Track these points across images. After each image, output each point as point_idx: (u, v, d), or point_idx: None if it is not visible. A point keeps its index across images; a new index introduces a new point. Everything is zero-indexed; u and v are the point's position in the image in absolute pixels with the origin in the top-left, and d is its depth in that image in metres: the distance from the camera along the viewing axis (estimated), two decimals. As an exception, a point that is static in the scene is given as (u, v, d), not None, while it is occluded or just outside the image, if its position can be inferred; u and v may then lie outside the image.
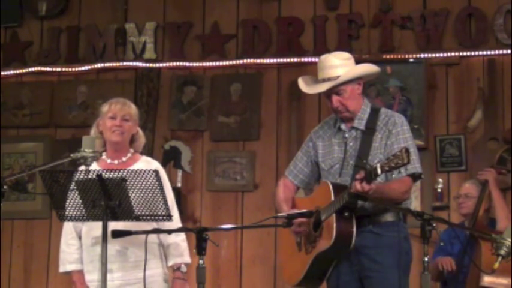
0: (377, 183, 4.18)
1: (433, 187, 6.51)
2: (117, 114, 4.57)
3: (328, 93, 4.44)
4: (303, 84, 4.58)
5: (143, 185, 4.10)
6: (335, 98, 4.44)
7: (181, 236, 4.55)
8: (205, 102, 7.01)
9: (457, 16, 6.69)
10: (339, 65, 4.43)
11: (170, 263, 4.54)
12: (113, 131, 4.54)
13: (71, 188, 4.15)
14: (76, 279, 4.58)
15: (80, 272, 4.56)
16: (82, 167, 4.27)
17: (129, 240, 4.32)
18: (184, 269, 4.53)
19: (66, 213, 4.21)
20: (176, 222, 4.45)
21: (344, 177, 4.38)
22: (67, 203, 4.19)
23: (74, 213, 4.22)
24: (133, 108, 4.64)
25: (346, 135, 4.48)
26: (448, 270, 5.55)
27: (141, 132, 4.72)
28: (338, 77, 4.39)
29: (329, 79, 4.41)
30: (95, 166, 4.47)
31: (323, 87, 4.43)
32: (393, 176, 4.31)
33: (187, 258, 4.55)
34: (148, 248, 4.37)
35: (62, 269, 4.61)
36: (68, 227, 4.59)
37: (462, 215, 5.87)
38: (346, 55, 4.53)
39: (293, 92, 6.73)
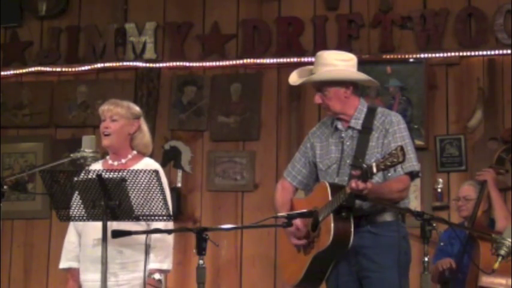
0: (374, 182, 4.19)
1: (433, 187, 6.51)
2: (105, 115, 4.56)
3: (315, 89, 4.46)
4: (294, 74, 4.61)
5: (143, 185, 4.09)
6: (318, 95, 4.48)
7: (167, 241, 4.44)
8: (205, 102, 7.01)
9: (457, 16, 6.70)
10: (327, 64, 4.44)
11: (148, 267, 4.42)
12: (102, 133, 4.54)
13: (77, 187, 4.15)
14: (70, 276, 4.60)
15: (76, 270, 4.56)
16: (92, 166, 4.31)
17: (117, 242, 4.29)
18: (157, 276, 4.40)
19: (70, 213, 4.22)
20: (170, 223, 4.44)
21: (341, 177, 4.38)
22: (71, 203, 4.20)
23: (74, 213, 4.22)
24: (124, 107, 4.57)
25: (343, 134, 4.48)
26: (448, 268, 5.55)
27: (144, 131, 4.63)
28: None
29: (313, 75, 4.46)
30: (99, 166, 4.49)
31: (298, 81, 4.51)
32: (389, 174, 4.32)
33: (166, 265, 4.44)
34: (135, 250, 4.38)
35: (60, 265, 4.63)
36: (70, 224, 4.61)
37: (462, 217, 5.87)
38: (343, 56, 4.53)
39: (293, 92, 6.73)
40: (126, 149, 4.59)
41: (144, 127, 4.65)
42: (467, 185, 5.96)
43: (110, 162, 4.58)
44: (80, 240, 4.55)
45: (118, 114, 4.54)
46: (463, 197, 5.86)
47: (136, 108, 4.66)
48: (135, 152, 4.60)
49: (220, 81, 7.03)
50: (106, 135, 4.53)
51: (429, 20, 6.72)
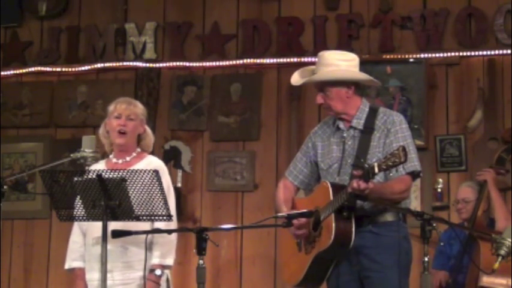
0: (376, 182, 4.19)
1: (433, 187, 6.51)
2: (122, 113, 4.59)
3: (317, 89, 4.46)
4: (296, 75, 4.61)
5: (143, 185, 4.10)
6: (319, 95, 4.48)
7: (169, 237, 4.45)
8: (205, 102, 7.02)
9: (457, 16, 6.70)
10: (329, 64, 4.44)
11: (150, 263, 4.46)
12: (118, 131, 4.55)
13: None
14: (76, 276, 4.61)
15: (81, 269, 4.58)
16: (94, 166, 4.34)
17: (122, 241, 4.31)
18: (158, 272, 4.43)
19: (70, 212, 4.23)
20: (173, 222, 4.45)
21: (342, 177, 4.38)
22: (76, 203, 4.21)
23: (75, 212, 4.22)
24: (139, 108, 4.66)
25: (345, 134, 4.48)
26: (442, 281, 5.60)
27: (149, 131, 4.71)
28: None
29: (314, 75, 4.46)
30: (102, 165, 4.52)
31: (300, 82, 4.51)
32: (391, 174, 4.31)
33: (167, 261, 4.48)
34: (140, 248, 4.38)
35: (65, 266, 4.64)
36: (75, 224, 4.62)
37: (462, 219, 5.87)
38: (345, 56, 4.53)
39: (293, 92, 6.73)
40: (133, 147, 4.64)
41: (147, 127, 4.70)
42: (464, 186, 5.97)
43: (114, 160, 4.62)
44: (85, 239, 4.57)
45: (135, 113, 4.61)
46: (461, 199, 5.86)
47: (144, 109, 4.73)
48: (139, 150, 4.66)
49: (220, 81, 7.03)
50: (122, 133, 4.56)
51: (429, 20, 6.72)
